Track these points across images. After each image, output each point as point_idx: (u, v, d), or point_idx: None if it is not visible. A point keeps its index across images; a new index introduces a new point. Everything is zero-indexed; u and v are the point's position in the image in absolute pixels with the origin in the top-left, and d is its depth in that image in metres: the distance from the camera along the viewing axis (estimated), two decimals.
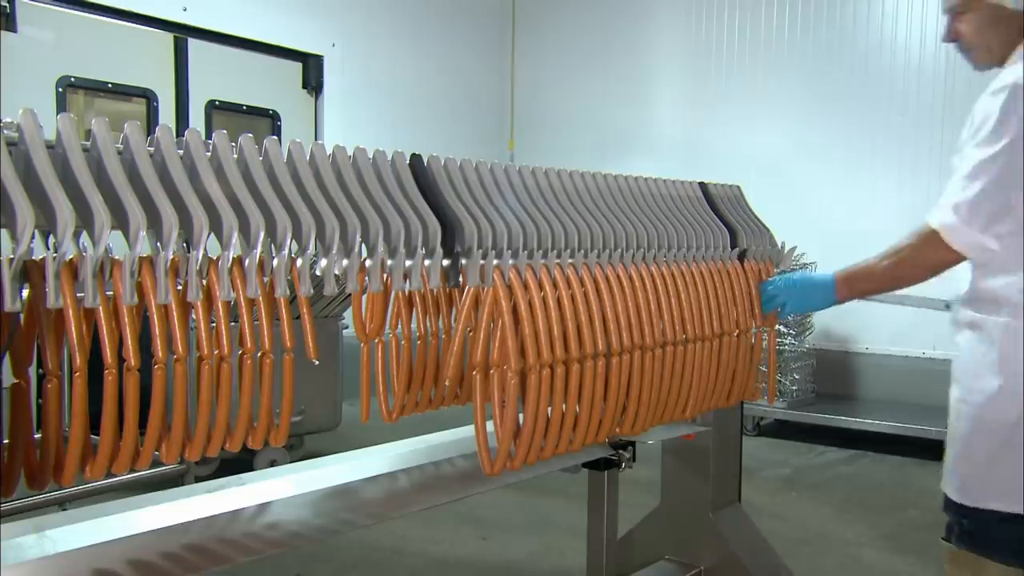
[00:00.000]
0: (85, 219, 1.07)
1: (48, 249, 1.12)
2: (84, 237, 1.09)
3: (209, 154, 1.22)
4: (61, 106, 4.99)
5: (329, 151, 1.37)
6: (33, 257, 1.06)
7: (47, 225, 1.04)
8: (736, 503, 2.57)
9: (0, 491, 1.14)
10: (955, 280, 2.00)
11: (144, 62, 5.48)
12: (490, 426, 1.59)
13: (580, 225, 1.66)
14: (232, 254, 1.18)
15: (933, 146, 5.58)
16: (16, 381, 1.16)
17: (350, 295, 1.38)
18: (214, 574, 1.40)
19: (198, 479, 3.35)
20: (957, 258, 1.84)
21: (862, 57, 5.86)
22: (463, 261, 1.47)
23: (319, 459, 1.85)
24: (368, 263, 1.35)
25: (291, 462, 2.85)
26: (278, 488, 1.62)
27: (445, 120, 7.07)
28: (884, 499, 4.10)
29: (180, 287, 1.17)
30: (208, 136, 1.23)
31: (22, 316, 1.14)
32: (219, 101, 5.82)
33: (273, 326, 1.25)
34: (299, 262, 1.26)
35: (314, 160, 1.34)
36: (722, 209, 2.06)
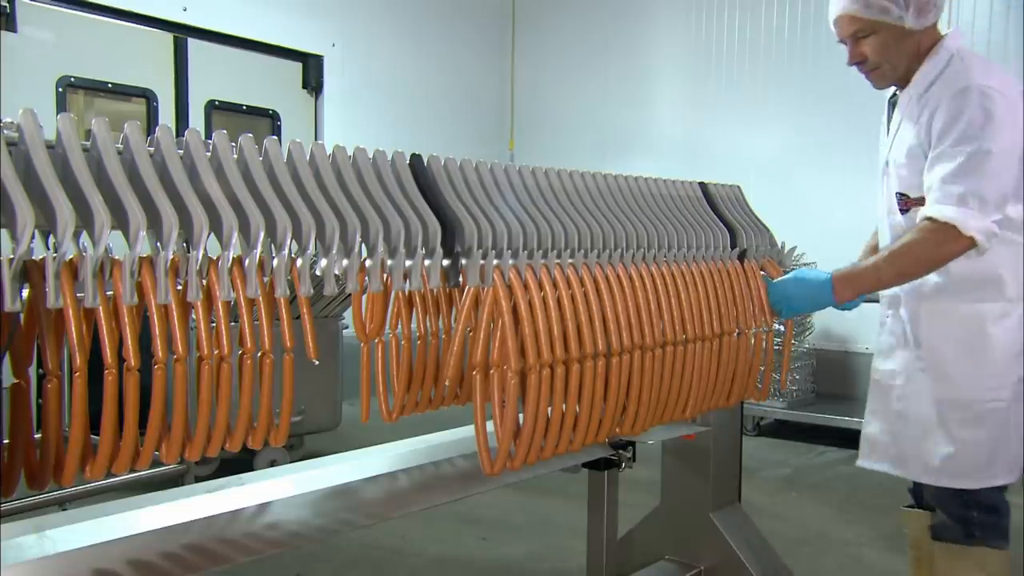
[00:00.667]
0: (85, 219, 1.07)
1: (48, 249, 1.12)
2: (84, 237, 1.09)
3: (209, 154, 1.22)
4: (61, 106, 4.99)
5: (329, 151, 1.37)
6: (33, 257, 1.06)
7: (47, 225, 1.04)
8: (736, 503, 2.57)
9: (0, 491, 1.14)
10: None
11: (144, 62, 5.48)
12: (490, 426, 1.59)
13: (580, 225, 1.66)
14: (232, 254, 1.18)
15: None
16: (16, 381, 1.16)
17: (350, 295, 1.38)
18: (214, 574, 1.40)
19: (198, 479, 3.35)
20: (965, 249, 1.93)
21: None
22: (463, 261, 1.47)
23: (319, 459, 1.85)
24: (368, 263, 1.35)
25: (291, 462, 2.85)
26: (278, 488, 1.62)
27: (445, 120, 7.07)
28: (884, 499, 4.09)
29: (180, 287, 1.17)
30: (208, 136, 1.23)
31: (22, 316, 1.14)
32: (219, 101, 5.82)
33: (273, 326, 1.25)
34: (299, 262, 1.26)
35: (314, 160, 1.34)
36: (722, 209, 2.06)
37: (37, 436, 1.17)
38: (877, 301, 2.28)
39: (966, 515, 2.10)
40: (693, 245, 1.89)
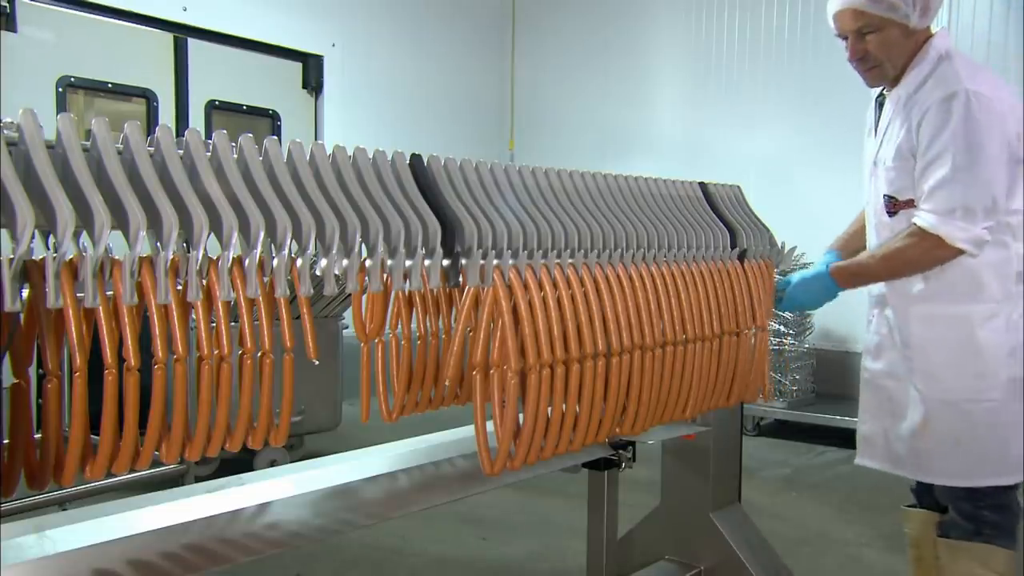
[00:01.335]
0: (85, 219, 1.07)
1: (48, 249, 1.12)
2: (84, 237, 1.09)
3: (209, 154, 1.22)
4: (61, 106, 4.99)
5: (329, 151, 1.37)
6: (33, 257, 1.06)
7: (47, 225, 1.04)
8: (736, 503, 2.57)
9: (0, 491, 1.14)
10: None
11: (144, 62, 5.48)
12: (490, 426, 1.59)
13: (580, 225, 1.66)
14: (232, 254, 1.18)
15: None
16: (16, 381, 1.16)
17: (350, 295, 1.38)
18: (214, 574, 1.40)
19: (198, 479, 3.35)
20: (954, 255, 1.99)
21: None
22: (463, 261, 1.47)
23: (319, 459, 1.85)
24: (368, 263, 1.35)
25: (291, 462, 2.85)
26: (278, 488, 1.62)
27: (445, 120, 7.07)
28: (884, 499, 4.09)
29: (180, 287, 1.17)
30: (208, 136, 1.23)
31: (22, 316, 1.14)
32: (219, 101, 5.82)
33: (273, 326, 1.25)
34: (299, 262, 1.26)
35: (314, 160, 1.34)
36: (722, 209, 2.06)
37: (37, 436, 1.17)
38: None
39: (977, 514, 2.11)
40: (693, 245, 1.89)
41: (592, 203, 1.75)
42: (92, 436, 1.16)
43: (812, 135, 6.12)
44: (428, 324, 1.75)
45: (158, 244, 1.14)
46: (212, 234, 1.16)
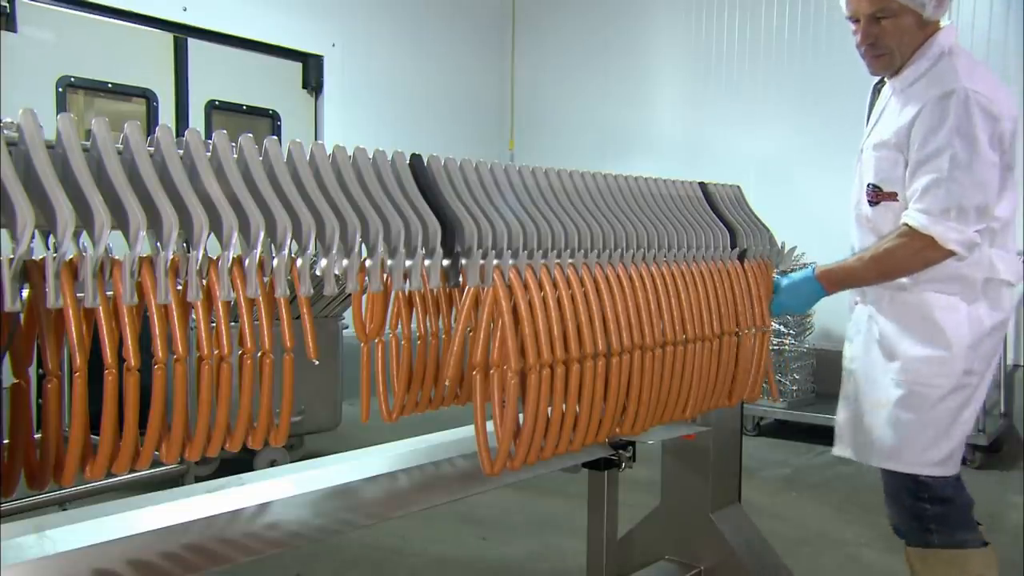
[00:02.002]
0: (85, 219, 1.07)
1: (48, 249, 1.12)
2: (84, 237, 1.09)
3: (209, 154, 1.22)
4: (61, 106, 4.99)
5: (329, 151, 1.37)
6: (33, 257, 1.06)
7: (47, 225, 1.04)
8: (736, 503, 2.56)
9: (0, 491, 1.14)
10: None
11: (144, 62, 5.48)
12: (490, 426, 1.59)
13: (580, 225, 1.66)
14: (232, 254, 1.18)
15: None
16: (16, 381, 1.16)
17: (350, 295, 1.38)
18: (214, 574, 1.40)
19: (198, 479, 3.35)
20: (945, 257, 1.97)
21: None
22: (463, 261, 1.47)
23: (319, 459, 1.85)
24: (368, 263, 1.35)
25: (291, 462, 2.85)
26: (278, 488, 1.62)
27: (445, 120, 7.07)
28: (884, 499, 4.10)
29: (180, 287, 1.17)
30: (208, 136, 1.23)
31: (22, 316, 1.14)
32: (219, 101, 5.82)
33: (273, 326, 1.25)
34: (299, 262, 1.26)
35: (314, 160, 1.34)
36: (722, 209, 2.06)
37: (37, 436, 1.17)
38: None
39: (917, 507, 2.12)
40: (693, 245, 1.89)
41: (592, 203, 1.74)
42: (92, 436, 1.16)
43: (812, 135, 6.12)
44: (428, 324, 1.75)
45: (158, 244, 1.14)
46: (212, 234, 1.16)
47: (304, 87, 6.35)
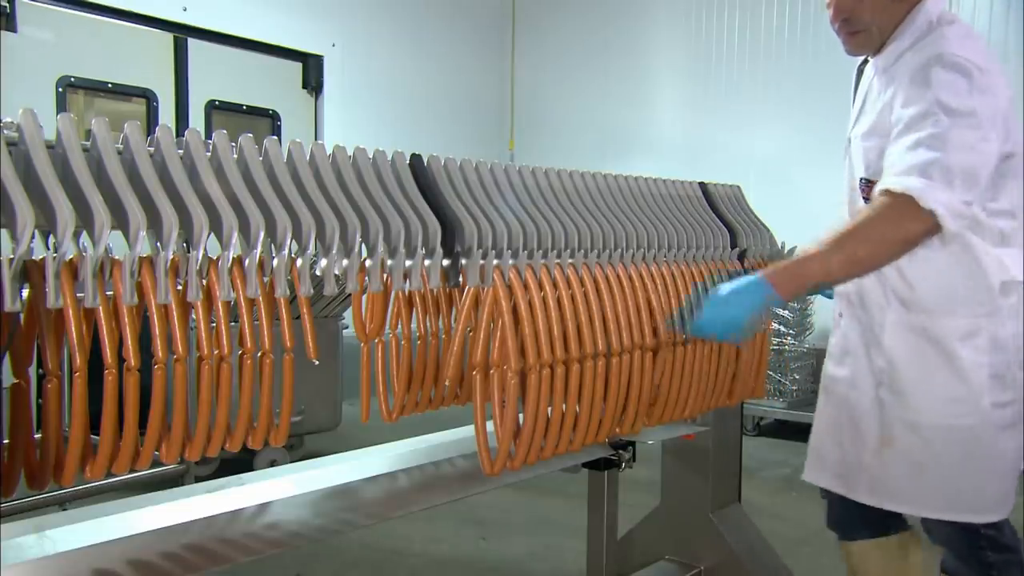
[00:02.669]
0: (85, 219, 1.07)
1: (48, 249, 1.12)
2: (84, 237, 1.09)
3: (209, 154, 1.22)
4: (61, 106, 4.99)
5: (329, 151, 1.37)
6: (33, 257, 1.06)
7: (47, 225, 1.04)
8: (736, 503, 2.56)
9: (0, 491, 1.14)
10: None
11: (144, 62, 5.48)
12: (490, 426, 1.59)
13: (580, 225, 1.66)
14: (232, 254, 1.18)
15: None
16: (16, 381, 1.16)
17: (350, 295, 1.38)
18: (214, 574, 1.40)
19: (198, 479, 3.35)
20: (927, 230, 1.59)
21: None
22: (463, 261, 1.47)
23: (319, 459, 1.85)
24: (368, 263, 1.35)
25: (291, 462, 2.85)
26: (278, 488, 1.62)
27: (445, 120, 7.07)
28: None
29: (180, 287, 1.17)
30: (208, 136, 1.23)
31: (22, 316, 1.14)
32: (219, 101, 5.82)
33: (273, 326, 1.25)
34: (299, 262, 1.26)
35: (314, 160, 1.34)
36: (722, 209, 2.06)
37: (37, 436, 1.17)
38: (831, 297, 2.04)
39: (980, 555, 1.89)
40: (693, 245, 1.89)
41: (592, 203, 1.75)
42: (92, 436, 1.16)
43: (812, 135, 6.12)
44: (428, 324, 1.75)
45: (158, 244, 1.14)
46: (212, 234, 1.17)
47: (304, 87, 6.35)
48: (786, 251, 2.17)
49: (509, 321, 1.52)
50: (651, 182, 1.93)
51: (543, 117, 7.56)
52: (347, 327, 3.56)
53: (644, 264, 1.76)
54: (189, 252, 1.16)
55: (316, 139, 6.28)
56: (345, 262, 1.31)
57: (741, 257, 2.03)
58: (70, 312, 1.07)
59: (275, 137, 1.33)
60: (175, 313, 1.15)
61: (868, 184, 1.83)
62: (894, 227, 1.58)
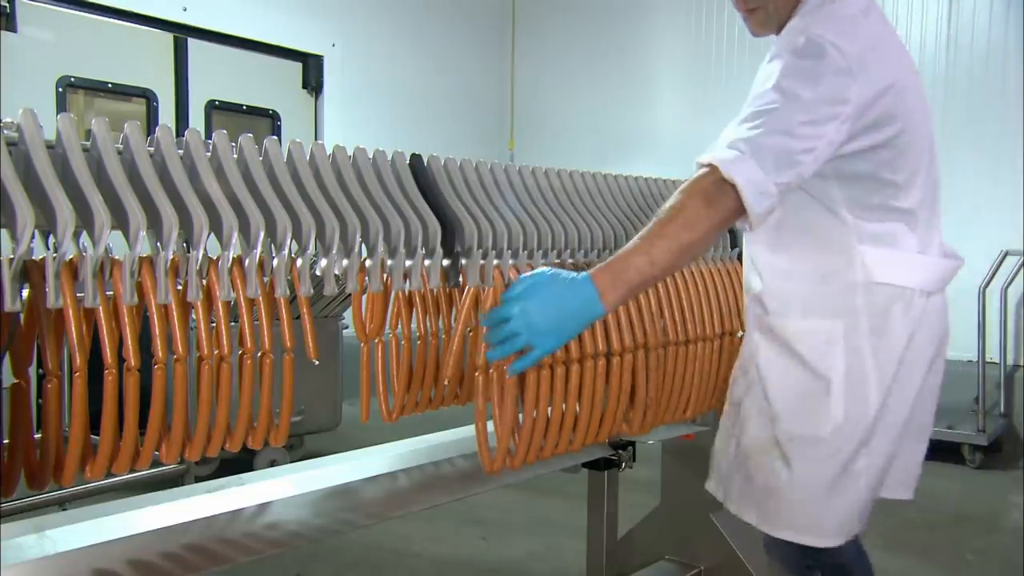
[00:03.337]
0: (85, 219, 1.07)
1: (48, 249, 1.12)
2: (84, 237, 1.09)
3: (209, 154, 1.22)
4: (61, 106, 4.99)
5: (329, 151, 1.37)
6: (33, 257, 1.06)
7: (47, 225, 1.04)
8: None
9: (0, 491, 1.14)
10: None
11: (144, 62, 5.48)
12: (490, 426, 1.59)
13: (580, 225, 1.66)
14: (232, 254, 1.19)
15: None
16: (16, 381, 1.16)
17: (350, 295, 1.38)
18: (214, 574, 1.40)
19: (198, 479, 3.35)
20: (732, 209, 1.45)
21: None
22: (463, 261, 1.47)
23: (319, 459, 1.85)
24: (368, 263, 1.35)
25: (291, 462, 2.85)
26: (278, 488, 1.62)
27: (445, 120, 7.07)
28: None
29: (180, 287, 1.17)
30: (208, 136, 1.23)
31: (22, 316, 1.14)
32: (219, 101, 5.82)
33: (273, 326, 1.25)
34: (299, 262, 1.26)
35: (314, 160, 1.34)
36: None
37: (37, 436, 1.17)
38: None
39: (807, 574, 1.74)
40: None
41: (592, 203, 1.75)
42: (92, 436, 1.16)
43: None
44: (428, 324, 1.75)
45: (158, 244, 1.14)
46: (212, 234, 1.17)
47: (304, 87, 6.35)
48: None
49: None
50: (651, 182, 1.93)
51: (543, 117, 7.56)
52: (347, 327, 3.56)
53: None
54: (189, 252, 1.16)
55: (316, 139, 6.28)
56: (345, 262, 1.31)
57: (741, 257, 2.03)
58: (70, 312, 1.07)
59: (275, 137, 1.33)
60: (175, 313, 1.15)
61: None
62: (702, 203, 1.45)
